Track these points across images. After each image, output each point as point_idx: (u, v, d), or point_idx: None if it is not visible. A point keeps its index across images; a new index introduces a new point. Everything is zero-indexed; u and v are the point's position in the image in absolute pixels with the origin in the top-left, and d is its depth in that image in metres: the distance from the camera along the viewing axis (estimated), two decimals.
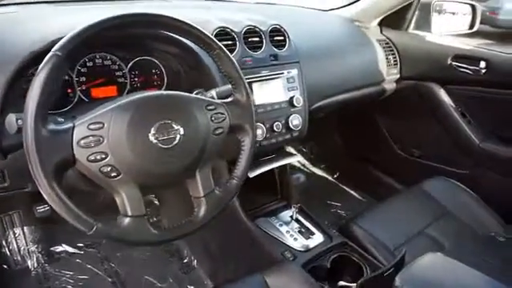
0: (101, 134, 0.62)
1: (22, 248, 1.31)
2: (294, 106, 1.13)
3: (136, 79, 0.97)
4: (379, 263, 1.04)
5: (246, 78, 1.02)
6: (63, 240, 1.38)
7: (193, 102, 0.72)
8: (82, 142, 0.61)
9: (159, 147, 0.65)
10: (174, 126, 0.67)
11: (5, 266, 1.26)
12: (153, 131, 0.65)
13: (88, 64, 0.90)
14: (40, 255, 1.33)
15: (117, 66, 0.94)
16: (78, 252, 1.36)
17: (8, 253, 1.29)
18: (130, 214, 0.65)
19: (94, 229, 0.61)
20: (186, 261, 1.38)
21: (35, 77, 0.58)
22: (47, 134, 0.58)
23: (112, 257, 1.36)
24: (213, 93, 0.83)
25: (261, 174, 1.14)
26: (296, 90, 1.15)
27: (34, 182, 0.58)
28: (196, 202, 0.74)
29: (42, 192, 0.58)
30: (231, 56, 0.78)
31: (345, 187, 1.96)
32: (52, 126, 0.60)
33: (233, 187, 0.78)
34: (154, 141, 0.65)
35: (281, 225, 1.14)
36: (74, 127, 0.61)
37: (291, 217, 1.17)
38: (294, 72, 1.16)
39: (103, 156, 0.62)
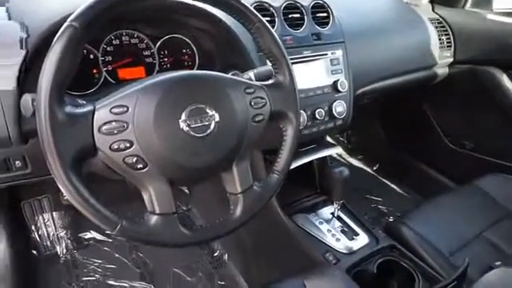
0: (125, 119, 0.54)
1: (51, 233, 1.29)
2: (338, 91, 1.01)
3: (165, 59, 0.89)
4: (433, 270, 0.92)
5: None
6: (91, 226, 1.34)
7: (230, 84, 0.62)
8: (104, 128, 0.53)
9: (191, 136, 0.56)
10: (207, 111, 0.58)
11: (34, 252, 1.24)
12: (183, 117, 0.56)
13: (114, 42, 0.83)
14: (69, 241, 1.30)
15: (144, 44, 0.87)
16: (107, 240, 1.32)
17: (37, 238, 1.27)
18: (158, 211, 0.57)
19: (119, 227, 0.54)
20: (216, 254, 1.31)
21: (49, 51, 0.50)
22: (64, 117, 0.51)
23: (140, 246, 1.31)
24: (250, 74, 0.72)
25: (298, 165, 1.04)
26: (340, 73, 1.03)
27: None
28: (232, 199, 0.65)
29: (58, 185, 0.51)
30: (273, 31, 0.67)
31: (385, 180, 1.82)
32: (70, 109, 0.52)
33: (273, 183, 0.69)
34: (186, 128, 0.56)
35: (321, 222, 1.04)
36: (94, 111, 0.53)
37: (332, 214, 1.06)
38: (339, 53, 1.04)
39: (128, 145, 0.54)
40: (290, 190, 1.14)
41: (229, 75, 0.64)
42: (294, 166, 1.02)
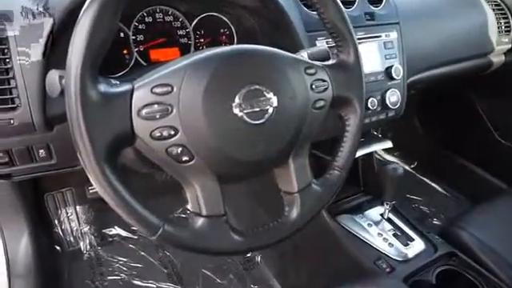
0: (169, 101, 0.45)
1: (74, 228, 1.22)
2: (391, 79, 0.90)
3: (202, 40, 0.81)
4: (500, 281, 0.80)
5: None
6: (116, 221, 1.27)
7: (289, 63, 0.52)
8: (145, 111, 0.44)
9: (246, 123, 0.47)
10: (265, 94, 0.48)
11: (57, 248, 1.18)
12: (237, 100, 0.47)
13: (147, 19, 0.75)
14: (93, 237, 1.23)
15: (179, 23, 0.78)
16: (132, 236, 1.24)
17: (60, 233, 1.20)
18: (204, 212, 0.48)
19: (160, 232, 0.45)
20: (248, 255, 1.22)
21: (81, 17, 0.42)
22: (98, 97, 0.42)
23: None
24: (303, 54, 0.62)
25: None
26: (395, 58, 0.92)
27: None
28: (287, 199, 0.56)
29: (90, 179, 0.43)
30: (339, 2, 0.57)
31: (425, 179, 1.69)
32: (104, 88, 0.43)
33: (335, 181, 0.59)
34: (239, 113, 0.47)
35: (369, 225, 0.93)
36: (133, 90, 0.44)
37: (381, 215, 0.95)
38: (393, 35, 0.93)
39: (172, 132, 0.45)
40: None
41: (286, 52, 0.54)
42: None
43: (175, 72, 0.46)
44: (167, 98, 0.45)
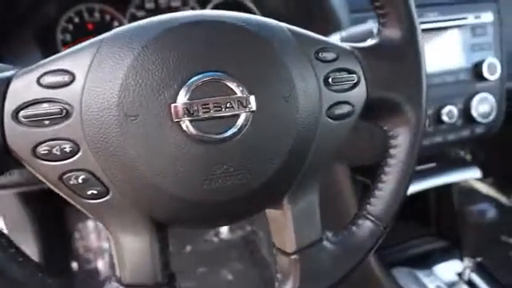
0: (66, 97, 0.27)
1: (94, 245, 1.12)
2: (482, 79, 0.64)
3: None
4: None
5: None
6: None
7: (285, 40, 0.31)
8: (25, 113, 0.27)
9: (194, 139, 0.27)
10: (232, 88, 0.28)
11: (74, 264, 1.09)
12: (182, 98, 0.27)
13: (147, 5, 0.64)
14: (111, 256, 1.12)
15: (190, 9, 0.65)
16: None
17: (81, 248, 1.12)
18: (127, 279, 0.30)
19: None
20: None
21: None
22: None
23: (189, 271, 1.06)
24: (335, 38, 0.42)
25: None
26: (488, 49, 0.66)
27: None
28: (280, 263, 0.35)
29: None
30: None
31: None
32: None
33: (364, 237, 0.36)
34: (184, 122, 0.27)
35: None
36: (11, 79, 0.28)
37: (459, 275, 0.67)
38: (487, 17, 0.67)
39: (68, 148, 0.27)
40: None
41: (286, 24, 0.33)
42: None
43: (80, 52, 0.28)
44: (63, 94, 0.27)
